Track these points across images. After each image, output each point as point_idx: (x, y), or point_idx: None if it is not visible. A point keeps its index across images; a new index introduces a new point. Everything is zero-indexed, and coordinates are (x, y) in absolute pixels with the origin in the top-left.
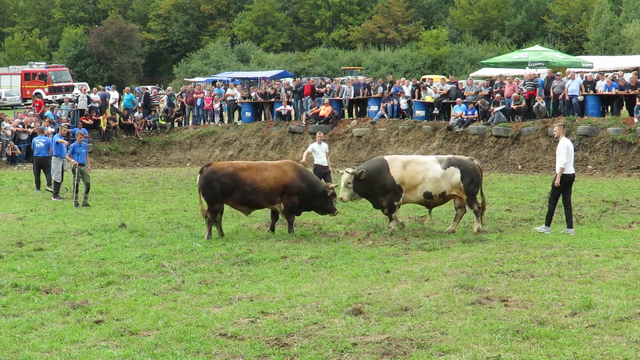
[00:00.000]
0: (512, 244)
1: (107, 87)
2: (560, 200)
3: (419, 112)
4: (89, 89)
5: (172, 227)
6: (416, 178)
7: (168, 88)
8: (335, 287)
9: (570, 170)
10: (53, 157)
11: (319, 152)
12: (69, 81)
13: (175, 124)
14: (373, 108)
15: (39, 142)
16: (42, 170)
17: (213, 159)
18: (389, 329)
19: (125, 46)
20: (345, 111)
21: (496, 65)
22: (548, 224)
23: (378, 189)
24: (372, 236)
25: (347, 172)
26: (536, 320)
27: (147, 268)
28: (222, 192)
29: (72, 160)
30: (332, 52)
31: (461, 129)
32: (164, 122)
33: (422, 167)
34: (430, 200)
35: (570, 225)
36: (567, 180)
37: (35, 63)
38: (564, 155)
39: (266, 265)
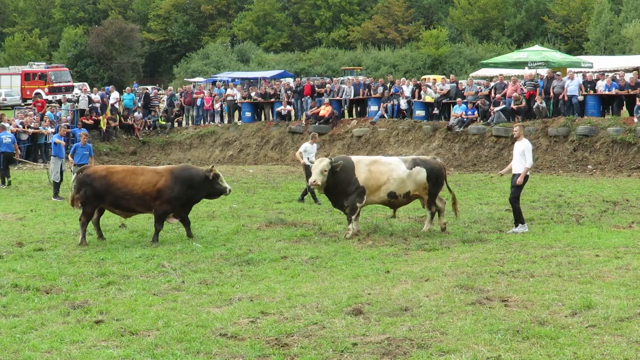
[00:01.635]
0: (512, 244)
1: (106, 87)
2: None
3: (419, 112)
4: (89, 89)
5: (172, 228)
6: (380, 179)
7: (168, 88)
8: (335, 287)
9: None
10: (52, 157)
11: (311, 152)
12: (69, 81)
13: (175, 124)
14: (373, 108)
15: (5, 138)
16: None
17: (213, 159)
18: (389, 329)
19: (125, 46)
20: (345, 111)
21: (496, 65)
22: (522, 222)
23: (342, 188)
24: (372, 236)
25: (325, 159)
26: (536, 320)
27: (147, 268)
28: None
29: (71, 160)
30: (332, 52)
31: (461, 129)
32: (164, 122)
33: (386, 167)
34: (394, 200)
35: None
36: (525, 181)
37: (35, 63)
38: (530, 156)
39: (266, 266)
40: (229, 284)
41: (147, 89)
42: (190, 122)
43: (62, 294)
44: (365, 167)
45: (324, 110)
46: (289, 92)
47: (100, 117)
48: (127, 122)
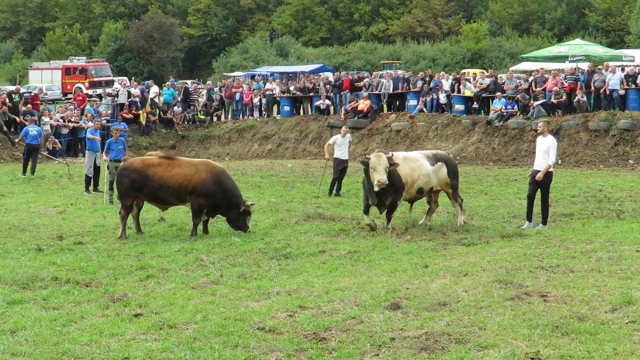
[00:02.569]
0: (552, 239)
1: (146, 81)
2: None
3: (459, 106)
4: (129, 84)
5: (210, 221)
6: (414, 175)
7: (207, 82)
8: (373, 282)
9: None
10: (86, 151)
11: (341, 144)
12: (109, 76)
13: (214, 119)
14: (412, 102)
15: (32, 130)
16: (30, 157)
17: (252, 153)
18: (427, 324)
19: (165, 41)
20: (384, 105)
21: (536, 59)
22: (545, 222)
23: (389, 185)
24: (411, 231)
25: (383, 155)
26: (576, 315)
27: (185, 262)
28: (131, 187)
29: (105, 158)
30: (371, 47)
31: (501, 123)
32: (203, 117)
33: (415, 163)
34: (419, 196)
35: (545, 222)
36: (551, 178)
37: (76, 58)
38: (555, 153)
39: (304, 260)
40: (267, 278)
41: (186, 83)
42: (229, 116)
43: (101, 287)
44: (403, 162)
45: (363, 105)
46: (327, 86)
47: (140, 112)
48: (167, 116)
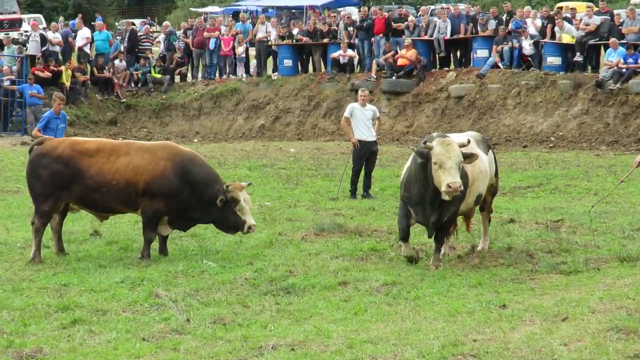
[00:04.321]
0: None
1: (71, 22)
2: None
3: (552, 60)
4: (44, 25)
5: (171, 237)
6: (473, 173)
7: (165, 24)
8: (422, 330)
9: None
10: None
11: (361, 118)
12: (13, 12)
13: (177, 78)
14: (481, 53)
15: None
16: None
17: (234, 132)
18: None
19: None
20: (438, 58)
21: None
22: None
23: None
24: (480, 251)
25: (454, 143)
26: None
27: (132, 299)
28: (53, 184)
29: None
30: None
31: (618, 85)
32: (159, 76)
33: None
34: (473, 210)
35: None
36: None
37: None
38: None
39: (316, 296)
40: (258, 324)
41: (133, 24)
42: (199, 74)
43: (2, 337)
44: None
45: (406, 57)
46: (350, 28)
47: (62, 68)
48: (103, 74)
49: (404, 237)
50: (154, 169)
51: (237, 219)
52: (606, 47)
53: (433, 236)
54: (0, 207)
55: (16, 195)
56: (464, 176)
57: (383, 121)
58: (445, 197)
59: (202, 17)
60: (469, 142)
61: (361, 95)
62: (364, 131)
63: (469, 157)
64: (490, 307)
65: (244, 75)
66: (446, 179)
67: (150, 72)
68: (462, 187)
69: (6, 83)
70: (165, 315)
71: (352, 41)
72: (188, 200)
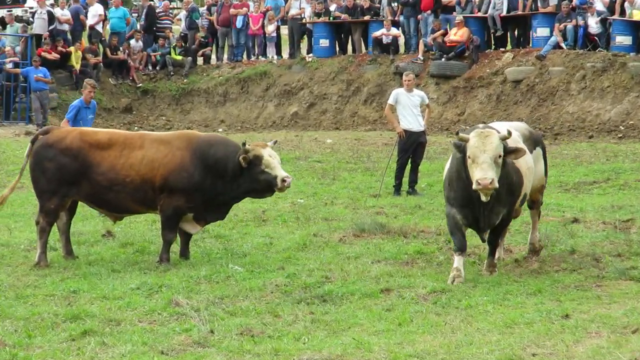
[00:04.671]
0: None
1: None
2: None
3: (622, 40)
4: (51, 1)
5: (192, 239)
6: (523, 169)
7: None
8: (475, 343)
9: None
10: None
11: (407, 105)
12: None
13: (200, 60)
14: (541, 32)
15: None
16: None
17: (264, 120)
18: None
19: None
20: (493, 38)
21: None
22: None
23: (504, 188)
24: (540, 254)
25: (493, 132)
26: None
27: (149, 308)
28: (60, 179)
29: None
30: None
31: None
32: (179, 57)
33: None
34: (518, 212)
35: None
36: None
37: None
38: None
39: (355, 304)
40: (290, 336)
41: (151, 0)
42: (224, 56)
43: (4, 350)
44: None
45: (457, 36)
46: (394, 4)
47: (72, 49)
48: (117, 56)
49: (461, 247)
50: (171, 161)
51: (267, 176)
52: None
53: (486, 239)
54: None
55: (19, 192)
56: (513, 173)
57: (432, 108)
58: (482, 198)
59: None
60: (510, 134)
61: (406, 80)
62: (410, 120)
63: (513, 153)
64: (551, 318)
65: (275, 56)
66: (476, 175)
67: (169, 53)
68: (495, 184)
69: (9, 66)
70: (186, 326)
71: (396, 18)
72: (213, 187)
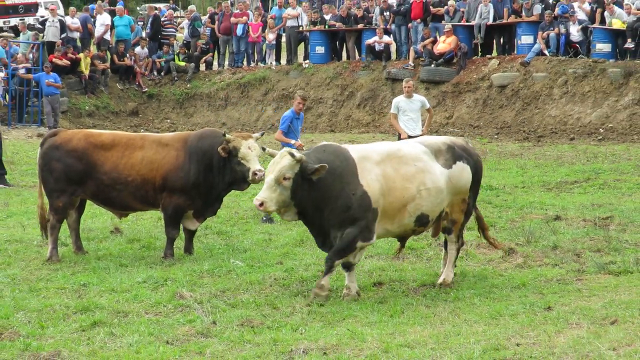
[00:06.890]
0: None
1: (90, 5)
2: None
3: (602, 47)
4: (62, 9)
5: (196, 234)
6: (405, 190)
7: (190, 8)
8: (462, 334)
9: None
10: None
11: (408, 112)
12: None
13: (202, 66)
14: (525, 40)
15: None
16: None
17: (263, 123)
18: None
19: None
20: (479, 45)
21: None
22: None
23: (330, 209)
24: (524, 250)
25: (286, 154)
26: None
27: (155, 300)
28: (67, 179)
29: None
30: None
31: None
32: (183, 63)
33: (412, 165)
34: (421, 229)
35: None
36: None
37: None
38: None
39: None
40: (288, 327)
41: (156, 9)
42: (225, 62)
43: (19, 340)
44: (375, 166)
45: (445, 43)
46: (386, 13)
47: (81, 55)
48: (124, 62)
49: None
50: (169, 162)
51: (242, 168)
52: None
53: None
54: (16, 202)
55: (32, 190)
56: (352, 196)
57: (433, 112)
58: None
59: (229, 2)
60: (298, 159)
61: (406, 87)
62: (412, 125)
63: (314, 170)
64: (534, 310)
65: (273, 63)
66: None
67: (173, 59)
68: (272, 208)
69: (21, 71)
70: (190, 318)
71: (388, 27)
72: (206, 181)
